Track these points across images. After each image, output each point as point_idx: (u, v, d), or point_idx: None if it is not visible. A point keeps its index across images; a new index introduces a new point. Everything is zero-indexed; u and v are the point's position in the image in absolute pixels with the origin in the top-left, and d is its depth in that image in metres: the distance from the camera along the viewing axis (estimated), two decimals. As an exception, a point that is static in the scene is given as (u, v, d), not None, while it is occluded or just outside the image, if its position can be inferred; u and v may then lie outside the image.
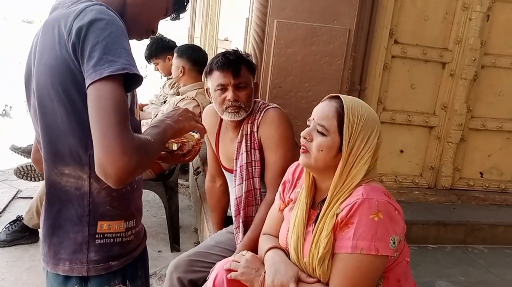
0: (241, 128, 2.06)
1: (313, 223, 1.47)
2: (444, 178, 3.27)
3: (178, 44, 3.86)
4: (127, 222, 1.18)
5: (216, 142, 2.21)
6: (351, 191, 1.39)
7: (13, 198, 3.87)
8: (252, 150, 2.05)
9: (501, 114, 3.28)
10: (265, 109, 2.06)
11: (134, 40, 1.28)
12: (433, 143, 3.23)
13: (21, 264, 2.86)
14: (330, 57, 2.44)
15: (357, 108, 1.43)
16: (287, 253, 1.57)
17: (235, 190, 2.08)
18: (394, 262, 1.42)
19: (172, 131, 1.16)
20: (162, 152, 1.34)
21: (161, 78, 4.09)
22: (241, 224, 2.07)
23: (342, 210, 1.36)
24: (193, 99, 3.15)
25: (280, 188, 1.71)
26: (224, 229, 2.31)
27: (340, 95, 1.47)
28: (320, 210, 1.44)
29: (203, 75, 2.13)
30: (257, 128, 2.03)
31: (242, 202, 2.07)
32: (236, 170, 2.08)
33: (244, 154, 2.05)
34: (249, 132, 2.05)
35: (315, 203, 1.52)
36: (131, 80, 1.02)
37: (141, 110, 3.79)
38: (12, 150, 3.64)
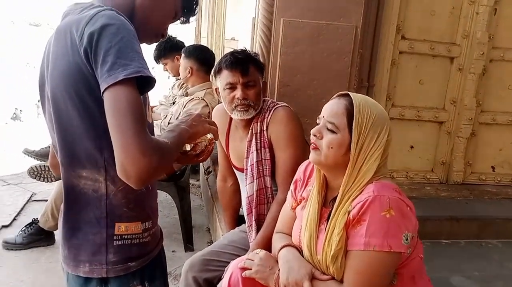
0: (251, 127, 2.07)
1: (325, 221, 1.48)
2: (456, 173, 3.26)
3: (187, 44, 3.89)
4: (144, 223, 1.20)
5: (226, 141, 2.23)
6: (362, 189, 1.40)
7: (28, 201, 3.93)
8: (262, 148, 2.07)
9: (511, 108, 3.26)
10: (274, 107, 2.07)
11: (144, 44, 1.30)
12: (444, 138, 3.22)
13: (38, 266, 2.90)
14: (337, 55, 2.45)
15: (367, 105, 1.43)
16: (300, 251, 1.58)
17: (246, 188, 2.10)
18: (408, 259, 1.42)
19: (187, 135, 1.19)
20: None
21: (168, 78, 4.11)
22: (253, 223, 2.09)
23: (353, 208, 1.37)
24: (201, 99, 3.17)
25: (292, 187, 1.72)
26: (236, 228, 2.33)
27: (349, 93, 1.48)
28: (332, 208, 1.45)
29: (212, 74, 2.15)
30: (267, 127, 2.05)
31: (254, 201, 2.08)
32: (246, 169, 2.10)
33: (254, 153, 2.06)
34: (258, 131, 2.06)
35: (326, 201, 1.53)
36: (144, 83, 1.04)
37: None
38: (25, 153, 3.67)
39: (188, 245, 3.26)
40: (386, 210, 1.32)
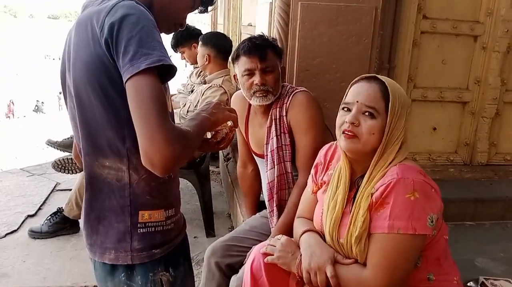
0: (270, 112, 2.07)
1: (350, 204, 1.47)
2: (480, 154, 3.19)
3: (203, 32, 3.88)
4: (167, 211, 1.22)
5: (245, 128, 2.23)
6: (385, 171, 1.39)
7: (52, 190, 4.02)
8: (282, 134, 2.06)
9: (537, 86, 3.16)
10: (293, 93, 2.06)
11: (162, 34, 1.30)
12: (467, 119, 3.15)
13: (64, 254, 2.97)
14: (357, 37, 2.41)
15: (397, 88, 1.43)
16: (322, 236, 1.57)
17: (267, 174, 2.10)
18: (433, 240, 1.41)
19: (208, 123, 1.20)
20: None
21: (186, 66, 4.10)
22: (275, 208, 2.09)
23: (376, 190, 1.36)
24: (219, 86, 3.16)
25: (312, 171, 1.71)
26: (257, 213, 2.34)
27: (376, 75, 1.46)
28: (357, 190, 1.45)
29: (230, 61, 2.14)
30: (286, 112, 2.04)
31: (275, 186, 2.08)
32: (267, 155, 2.09)
33: (275, 138, 2.05)
34: (278, 117, 2.05)
35: (351, 183, 1.51)
36: (165, 72, 1.05)
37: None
38: (48, 144, 3.73)
39: (210, 231, 3.28)
40: (410, 193, 1.31)
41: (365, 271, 1.39)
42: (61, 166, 3.01)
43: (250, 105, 2.15)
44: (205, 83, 3.40)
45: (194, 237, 3.21)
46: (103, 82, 1.07)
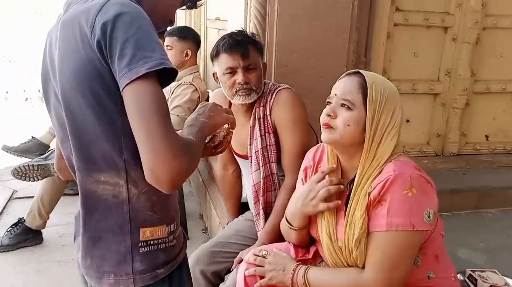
0: (253, 111, 1.98)
1: (343, 205, 1.44)
2: (451, 144, 3.23)
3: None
4: (169, 226, 1.11)
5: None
6: (381, 168, 1.36)
7: (9, 199, 3.76)
8: (267, 134, 1.98)
9: (504, 76, 3.22)
10: (276, 90, 1.99)
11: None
12: (439, 110, 3.18)
13: (29, 268, 2.79)
14: (335, 31, 2.36)
15: (379, 82, 1.40)
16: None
17: (252, 176, 2.02)
18: (431, 237, 1.39)
19: (207, 127, 1.11)
20: None
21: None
22: (261, 211, 2.01)
23: (374, 188, 1.34)
24: (190, 84, 3.04)
25: (302, 175, 1.66)
26: (240, 216, 2.26)
27: (359, 70, 1.44)
28: (350, 191, 1.41)
29: (210, 59, 2.03)
30: (270, 111, 1.96)
31: (261, 188, 2.00)
32: (251, 156, 2.01)
33: (259, 139, 1.97)
34: (261, 116, 1.97)
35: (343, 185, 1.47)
36: (164, 75, 0.94)
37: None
38: (4, 149, 3.52)
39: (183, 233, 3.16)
40: (408, 189, 1.30)
41: (364, 273, 1.36)
42: (22, 174, 2.81)
43: (230, 103, 2.05)
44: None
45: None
46: (96, 89, 0.96)
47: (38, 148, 3.35)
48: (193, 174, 3.95)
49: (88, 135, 1.01)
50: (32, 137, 3.41)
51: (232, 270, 1.91)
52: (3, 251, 2.93)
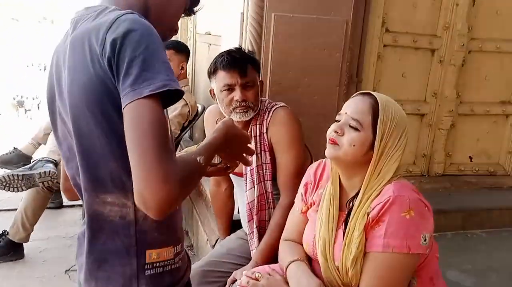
0: (249, 129, 1.97)
1: (342, 224, 1.43)
2: (437, 165, 3.27)
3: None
4: (175, 247, 1.09)
5: (221, 145, 2.11)
6: (380, 189, 1.36)
7: (-10, 211, 3.64)
8: (262, 152, 1.97)
9: (488, 98, 3.29)
10: (273, 108, 1.99)
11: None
12: (425, 131, 3.22)
13: (9, 284, 2.71)
14: (329, 50, 2.38)
15: (391, 105, 1.41)
16: (309, 264, 1.54)
17: (246, 194, 2.00)
18: (426, 259, 1.40)
19: (220, 147, 1.10)
20: None
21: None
22: (255, 230, 1.99)
23: (373, 209, 1.34)
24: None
25: (302, 190, 1.65)
26: (233, 235, 2.23)
27: (371, 92, 1.44)
28: (350, 210, 1.41)
29: (207, 75, 2.02)
30: (267, 129, 1.96)
31: (255, 207, 1.99)
32: (246, 174, 2.00)
33: (254, 156, 1.96)
34: (258, 134, 1.97)
35: (341, 204, 1.48)
36: (169, 95, 0.92)
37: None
38: (-15, 160, 3.41)
39: (169, 250, 3.11)
40: (406, 211, 1.30)
41: None
42: (6, 183, 2.73)
43: (225, 120, 2.04)
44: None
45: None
46: (105, 107, 0.94)
47: (20, 159, 3.26)
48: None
49: (96, 155, 0.99)
50: (15, 148, 3.32)
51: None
52: (-18, 266, 2.83)
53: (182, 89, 2.75)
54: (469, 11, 3.05)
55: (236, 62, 1.89)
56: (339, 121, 1.43)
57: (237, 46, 2.05)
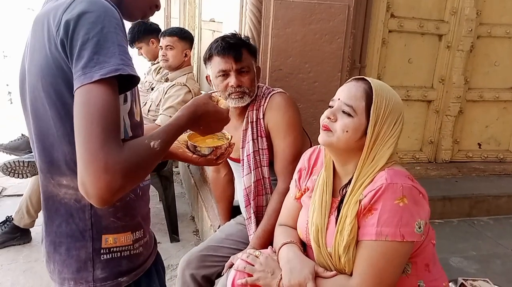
0: (246, 115, 1.97)
1: (334, 211, 1.42)
2: (444, 152, 3.24)
3: (161, 27, 3.71)
4: (134, 233, 1.07)
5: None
6: (373, 176, 1.34)
7: (-2, 197, 3.73)
8: (259, 138, 1.97)
9: (497, 84, 3.24)
10: (270, 94, 1.97)
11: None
12: (432, 117, 3.19)
13: (16, 266, 2.75)
14: (330, 35, 2.35)
15: (385, 91, 1.38)
16: (302, 247, 1.53)
17: (243, 180, 2.00)
18: (421, 246, 1.38)
19: (188, 124, 1.07)
20: (194, 156, 1.29)
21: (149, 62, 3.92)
22: (252, 215, 2.00)
23: (365, 196, 1.32)
24: (183, 85, 3.02)
25: (296, 176, 1.64)
26: (232, 220, 2.24)
27: (366, 77, 1.41)
28: (343, 197, 1.39)
29: (202, 61, 2.02)
30: (263, 115, 1.95)
31: (252, 192, 1.99)
32: (243, 160, 2.00)
33: (251, 142, 1.96)
34: (255, 119, 1.96)
35: (335, 190, 1.46)
36: (124, 80, 0.90)
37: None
38: (-7, 147, 3.47)
39: (174, 236, 3.16)
40: (399, 198, 1.28)
41: (352, 281, 1.34)
42: (11, 170, 2.77)
43: (224, 106, 2.04)
44: (166, 80, 3.24)
45: (158, 243, 3.05)
46: (60, 89, 0.92)
47: (27, 146, 3.30)
48: (185, 175, 3.93)
49: (51, 137, 0.98)
50: (22, 134, 3.37)
51: (223, 274, 1.89)
52: (-10, 250, 2.88)
53: (184, 76, 2.74)
54: (478, -5, 2.98)
55: (231, 47, 1.87)
56: (332, 107, 1.41)
57: (232, 31, 2.03)
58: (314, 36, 2.32)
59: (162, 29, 3.65)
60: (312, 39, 2.32)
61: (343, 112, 1.37)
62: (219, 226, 2.39)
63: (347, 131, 1.35)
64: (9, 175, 2.82)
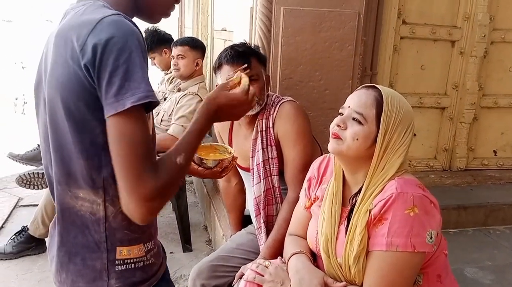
0: (256, 124, 1.96)
1: (344, 220, 1.40)
2: (459, 159, 3.19)
3: (174, 37, 3.73)
4: (146, 245, 1.10)
5: (229, 140, 2.12)
6: (383, 185, 1.32)
7: (15, 207, 3.76)
8: (269, 147, 1.96)
9: (512, 90, 3.20)
10: (280, 102, 1.96)
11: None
12: (446, 124, 3.15)
13: (31, 276, 2.77)
14: (340, 43, 2.34)
15: (396, 99, 1.37)
16: (311, 258, 1.52)
17: (253, 189, 1.99)
18: (433, 256, 1.36)
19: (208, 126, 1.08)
20: (200, 168, 1.34)
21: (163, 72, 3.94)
22: (262, 225, 1.98)
23: (375, 206, 1.30)
24: (195, 94, 3.04)
25: (305, 185, 1.63)
26: (243, 230, 2.23)
27: (376, 85, 1.40)
28: (353, 206, 1.38)
29: (212, 70, 2.03)
30: (273, 124, 1.94)
31: (262, 202, 1.98)
32: (253, 169, 1.99)
33: (260, 151, 1.95)
34: (264, 128, 1.95)
35: (345, 199, 1.45)
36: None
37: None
38: (9, 157, 3.52)
39: (187, 245, 3.15)
40: (409, 208, 1.26)
41: None
42: (27, 181, 2.81)
43: (233, 116, 2.04)
44: (179, 90, 3.26)
45: (170, 253, 3.06)
46: (80, 105, 0.95)
47: (44, 156, 3.35)
48: (198, 185, 3.94)
49: (69, 150, 1.00)
50: (38, 145, 3.41)
51: (234, 285, 1.89)
52: (6, 259, 2.91)
53: (196, 85, 2.76)
54: (491, 0, 2.95)
55: (240, 55, 1.88)
56: (342, 115, 1.40)
57: (242, 41, 2.04)
58: (324, 44, 2.31)
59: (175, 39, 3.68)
60: (322, 47, 2.31)
61: (353, 119, 1.35)
62: (231, 236, 2.38)
63: (357, 139, 1.34)
64: (24, 187, 2.86)
